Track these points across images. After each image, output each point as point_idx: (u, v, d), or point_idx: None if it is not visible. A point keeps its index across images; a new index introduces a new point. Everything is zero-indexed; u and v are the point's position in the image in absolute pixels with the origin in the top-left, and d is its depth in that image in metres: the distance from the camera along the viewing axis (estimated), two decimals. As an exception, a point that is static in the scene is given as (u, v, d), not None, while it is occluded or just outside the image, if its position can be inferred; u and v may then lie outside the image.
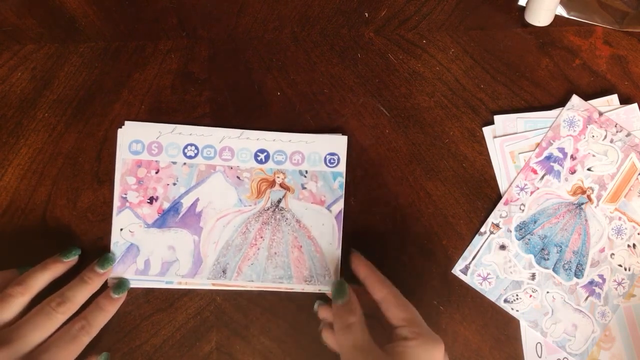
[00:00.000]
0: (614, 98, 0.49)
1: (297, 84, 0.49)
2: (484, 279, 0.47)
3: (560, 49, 0.50)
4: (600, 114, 0.48)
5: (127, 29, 0.50)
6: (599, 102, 0.49)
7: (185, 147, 0.46)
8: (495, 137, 0.48)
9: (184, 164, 0.46)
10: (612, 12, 0.50)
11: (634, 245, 0.47)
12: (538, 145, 0.48)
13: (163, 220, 0.45)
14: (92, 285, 0.43)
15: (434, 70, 0.50)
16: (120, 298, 0.44)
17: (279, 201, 0.45)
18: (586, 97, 0.49)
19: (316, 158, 0.46)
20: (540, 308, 0.47)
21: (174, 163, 0.46)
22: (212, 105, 0.48)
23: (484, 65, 0.50)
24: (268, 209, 0.45)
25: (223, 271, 0.45)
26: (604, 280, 0.47)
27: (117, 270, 0.45)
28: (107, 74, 0.49)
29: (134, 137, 0.46)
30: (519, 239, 0.48)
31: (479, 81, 0.50)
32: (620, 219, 0.47)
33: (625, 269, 0.47)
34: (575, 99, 0.48)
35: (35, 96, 0.48)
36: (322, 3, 0.51)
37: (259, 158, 0.46)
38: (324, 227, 0.45)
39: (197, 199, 0.45)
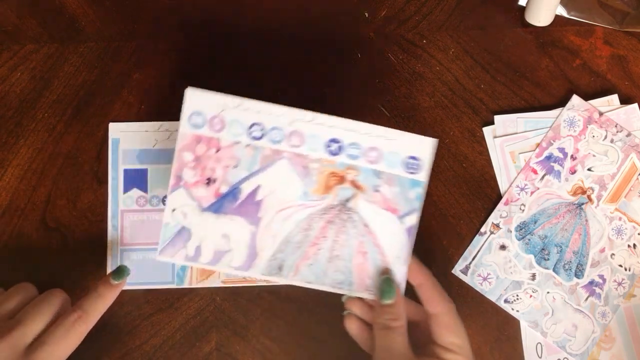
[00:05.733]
0: (614, 98, 0.49)
1: (297, 84, 0.49)
2: (484, 279, 0.47)
3: (561, 49, 0.50)
4: (601, 114, 0.48)
5: (127, 29, 0.50)
6: (599, 102, 0.49)
7: (251, 126, 0.40)
8: (495, 137, 0.48)
9: (248, 145, 0.40)
10: (612, 12, 0.50)
11: (634, 246, 0.47)
12: (538, 145, 0.48)
13: (219, 205, 0.41)
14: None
15: (434, 70, 0.50)
16: (119, 285, 0.43)
17: (348, 200, 0.41)
18: (586, 97, 0.49)
19: (395, 159, 0.40)
20: (540, 308, 0.47)
21: (237, 143, 0.40)
22: (212, 105, 0.48)
23: (484, 65, 0.50)
24: (334, 207, 0.41)
25: (279, 268, 0.41)
26: (604, 280, 0.47)
27: (165, 253, 0.40)
28: (107, 74, 0.49)
29: (195, 109, 0.40)
30: (519, 239, 0.48)
31: (479, 81, 0.49)
32: (620, 219, 0.47)
33: (626, 269, 0.47)
34: (575, 99, 0.48)
35: (35, 96, 0.48)
36: (322, 3, 0.51)
37: (330, 148, 0.40)
38: (393, 238, 0.41)
39: (259, 187, 0.41)
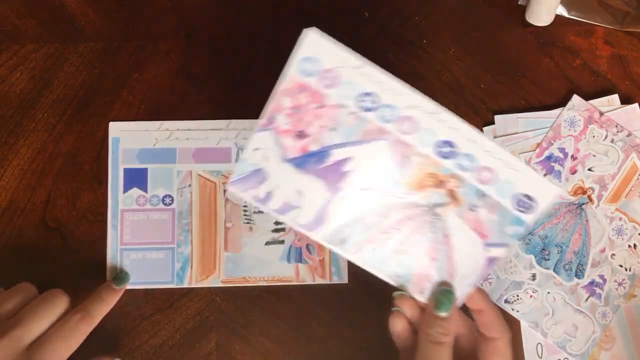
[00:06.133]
0: (615, 98, 0.49)
1: (297, 84, 0.49)
2: (485, 279, 0.47)
3: (561, 49, 0.50)
4: (601, 114, 0.48)
5: (127, 29, 0.50)
6: (600, 102, 0.49)
7: (364, 94, 0.36)
8: (495, 137, 0.48)
9: (353, 113, 0.36)
10: (612, 12, 0.50)
11: (635, 246, 0.47)
12: (538, 145, 0.48)
13: (303, 161, 0.38)
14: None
15: (434, 70, 0.50)
16: (121, 290, 0.45)
17: (437, 206, 0.38)
18: (587, 97, 0.48)
19: (508, 190, 0.36)
20: (540, 308, 0.47)
21: (343, 107, 0.36)
22: (211, 105, 0.48)
23: (484, 65, 0.50)
24: (420, 207, 0.38)
25: (342, 241, 0.38)
26: (604, 280, 0.47)
27: (237, 185, 0.38)
28: (107, 74, 0.49)
29: (311, 55, 0.36)
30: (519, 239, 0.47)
31: (479, 81, 0.49)
32: (620, 219, 0.47)
33: (626, 270, 0.47)
34: (575, 99, 0.48)
35: (35, 96, 0.48)
36: (322, 3, 0.51)
37: (441, 149, 0.36)
38: (470, 259, 0.38)
39: (350, 158, 0.37)
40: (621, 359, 0.47)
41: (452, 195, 0.37)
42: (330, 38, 0.35)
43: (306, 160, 0.38)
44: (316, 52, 0.36)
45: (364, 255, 0.39)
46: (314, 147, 0.37)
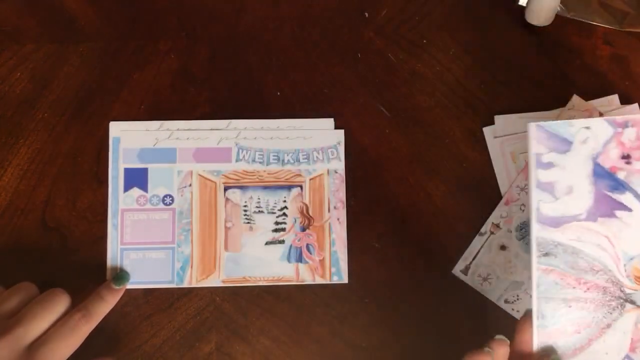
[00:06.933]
0: (615, 98, 0.49)
1: (297, 84, 0.49)
2: (484, 279, 0.47)
3: (561, 49, 0.50)
4: (601, 114, 0.48)
5: (127, 29, 0.50)
6: (600, 102, 0.49)
7: None
8: (495, 137, 0.48)
9: None
10: (612, 12, 0.50)
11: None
12: (539, 145, 0.48)
13: (602, 175, 0.38)
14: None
15: (434, 70, 0.50)
16: (121, 290, 0.44)
17: (631, 303, 0.38)
18: (586, 97, 0.49)
19: None
20: (541, 308, 0.47)
21: None
22: (211, 105, 0.48)
23: (484, 65, 0.50)
24: (620, 291, 0.38)
25: (546, 254, 0.38)
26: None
27: (541, 132, 0.38)
28: (107, 74, 0.49)
29: None
30: (519, 239, 0.47)
31: (479, 81, 0.49)
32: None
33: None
34: (575, 99, 0.48)
35: (35, 96, 0.48)
36: (322, 3, 0.51)
37: None
38: (602, 355, 0.39)
39: (629, 209, 0.38)
40: (621, 359, 0.47)
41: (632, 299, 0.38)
42: None
43: (604, 177, 0.38)
44: None
45: (540, 279, 0.38)
46: (620, 175, 0.38)
